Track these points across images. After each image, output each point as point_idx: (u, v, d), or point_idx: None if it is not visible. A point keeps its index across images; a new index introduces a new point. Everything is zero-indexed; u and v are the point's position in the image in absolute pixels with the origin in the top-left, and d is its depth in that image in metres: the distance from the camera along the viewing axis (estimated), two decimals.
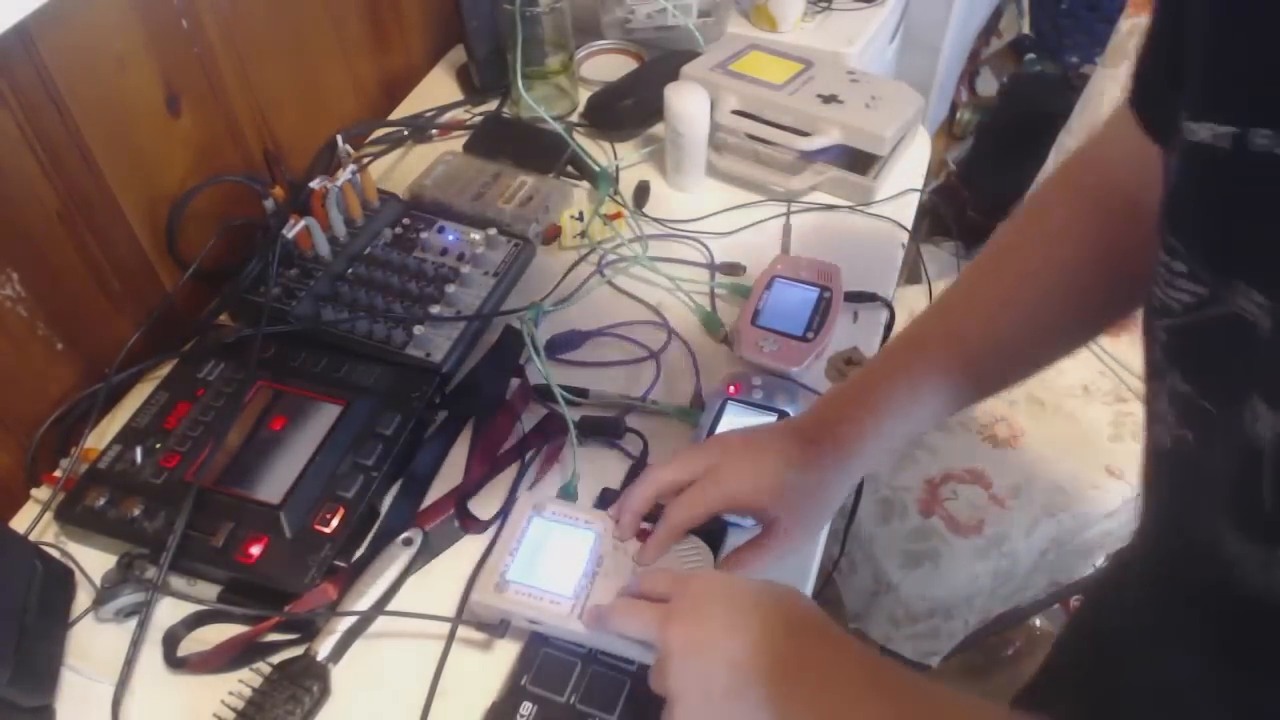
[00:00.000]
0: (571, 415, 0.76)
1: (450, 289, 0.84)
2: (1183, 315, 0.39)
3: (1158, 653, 0.51)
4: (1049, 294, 0.60)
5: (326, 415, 0.74)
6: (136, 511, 0.69)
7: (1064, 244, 0.60)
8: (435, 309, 0.83)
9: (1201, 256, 0.37)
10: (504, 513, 0.72)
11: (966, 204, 2.03)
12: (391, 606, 0.67)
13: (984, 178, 2.06)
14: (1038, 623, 1.46)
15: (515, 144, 1.03)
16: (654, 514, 0.65)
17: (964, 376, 0.62)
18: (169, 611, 0.67)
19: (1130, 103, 0.51)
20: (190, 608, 0.67)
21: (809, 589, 0.69)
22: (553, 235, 0.94)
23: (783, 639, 0.50)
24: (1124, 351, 1.28)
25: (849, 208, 0.97)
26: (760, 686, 0.49)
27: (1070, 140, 1.38)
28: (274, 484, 0.69)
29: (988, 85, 2.25)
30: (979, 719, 0.46)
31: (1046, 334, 0.61)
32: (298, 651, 0.64)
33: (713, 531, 0.68)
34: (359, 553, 0.70)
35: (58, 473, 0.74)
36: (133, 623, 0.66)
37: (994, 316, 0.61)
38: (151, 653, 0.65)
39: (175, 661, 0.64)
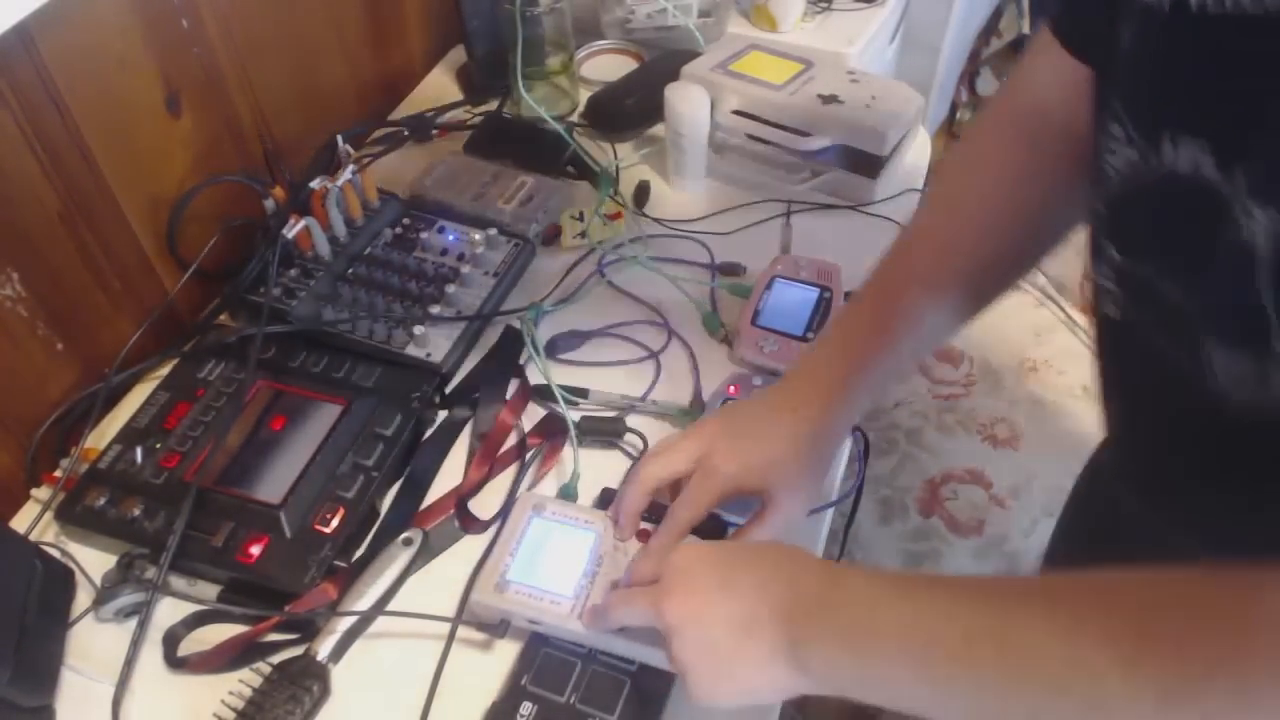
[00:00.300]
0: (571, 415, 0.76)
1: (450, 289, 0.84)
2: (1117, 181, 0.43)
3: (1150, 533, 0.52)
4: (989, 230, 0.62)
5: (327, 415, 0.74)
6: (136, 511, 0.69)
7: (999, 175, 0.62)
8: (435, 309, 0.83)
9: (1137, 113, 0.40)
10: (504, 513, 0.72)
11: None
12: (391, 606, 0.67)
13: None
14: None
15: (515, 144, 1.03)
16: (651, 511, 0.65)
17: (933, 312, 0.63)
18: (169, 611, 0.67)
19: (1054, 27, 0.54)
20: (190, 608, 0.67)
21: None
22: (553, 235, 0.94)
23: (776, 582, 0.50)
24: None
25: (849, 207, 0.97)
26: (765, 632, 0.49)
27: None
28: (274, 484, 0.69)
29: (988, 85, 2.25)
30: (994, 590, 0.46)
31: (994, 261, 0.62)
32: (298, 651, 0.64)
33: (712, 530, 0.68)
34: (359, 553, 0.70)
35: (58, 473, 0.74)
36: (133, 623, 0.66)
37: (943, 253, 0.63)
38: (151, 653, 0.65)
39: (175, 661, 0.64)
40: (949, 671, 0.43)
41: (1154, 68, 0.40)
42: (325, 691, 0.62)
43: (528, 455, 0.76)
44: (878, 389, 0.64)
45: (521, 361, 0.83)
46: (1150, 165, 0.40)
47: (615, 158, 1.03)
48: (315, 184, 0.85)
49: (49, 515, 0.71)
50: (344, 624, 0.65)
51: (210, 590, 0.68)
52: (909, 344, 0.63)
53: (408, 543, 0.69)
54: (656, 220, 0.96)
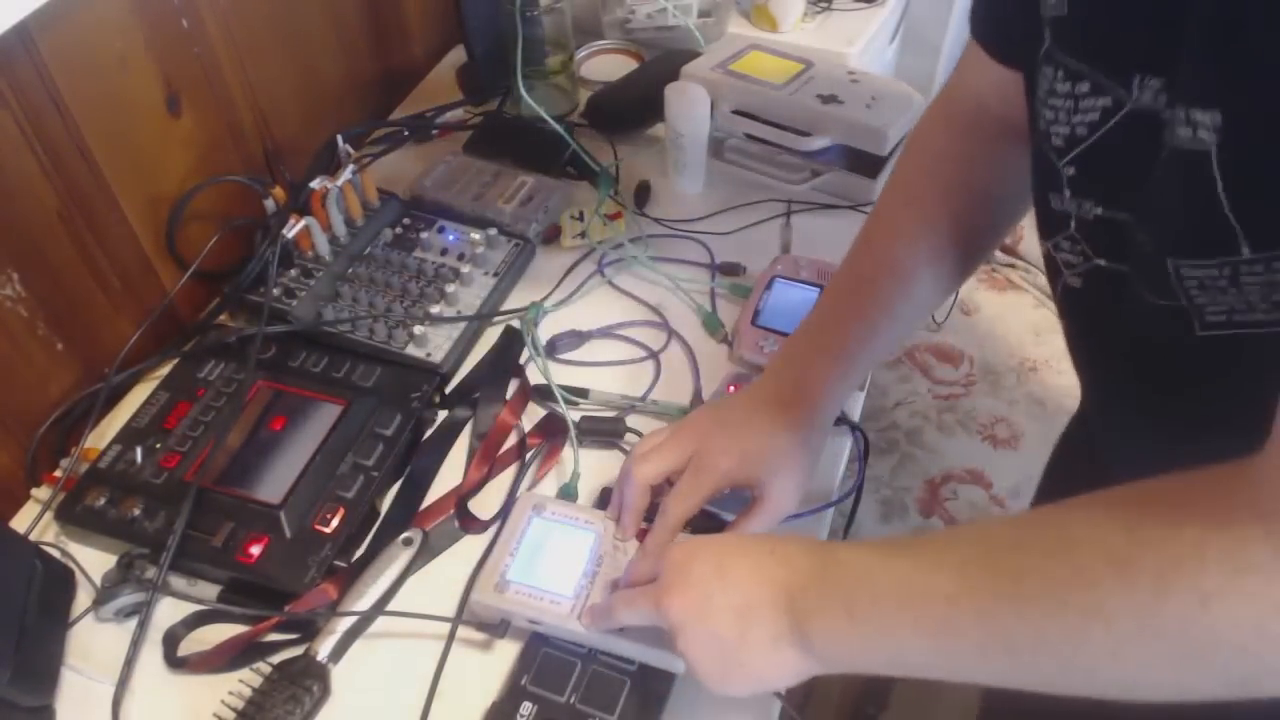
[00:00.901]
0: (571, 415, 0.76)
1: (450, 289, 0.84)
2: (1089, 136, 0.46)
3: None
4: (945, 215, 0.65)
5: (326, 415, 0.74)
6: (136, 511, 0.69)
7: (947, 162, 0.66)
8: (435, 309, 0.83)
9: (1106, 64, 0.44)
10: (504, 513, 0.72)
11: None
12: (391, 606, 0.67)
13: None
14: None
15: (515, 144, 1.03)
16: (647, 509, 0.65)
17: (903, 300, 0.65)
18: (169, 611, 0.67)
19: (974, 35, 0.60)
20: (190, 608, 0.67)
21: None
22: (553, 235, 0.94)
23: (770, 566, 0.51)
24: None
25: (849, 207, 0.97)
26: (766, 616, 0.49)
27: None
28: (274, 484, 0.69)
29: None
30: (979, 529, 0.47)
31: (954, 243, 0.66)
32: (298, 651, 0.64)
33: (707, 526, 0.68)
34: (359, 553, 0.70)
35: (58, 473, 0.74)
36: (133, 623, 0.66)
37: (907, 241, 0.65)
38: (151, 653, 0.65)
39: (175, 661, 0.64)
40: (947, 613, 0.43)
41: (1113, 16, 0.44)
42: (325, 691, 0.62)
43: (528, 455, 0.76)
44: (860, 377, 0.68)
45: (521, 361, 0.83)
46: (1123, 107, 0.44)
47: (615, 158, 1.03)
48: (315, 184, 0.85)
49: (49, 515, 0.71)
50: (344, 624, 0.65)
51: (210, 590, 0.68)
52: (886, 332, 0.66)
53: (408, 543, 0.69)
54: (656, 220, 0.96)
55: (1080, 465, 0.74)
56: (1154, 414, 0.55)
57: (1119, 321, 0.51)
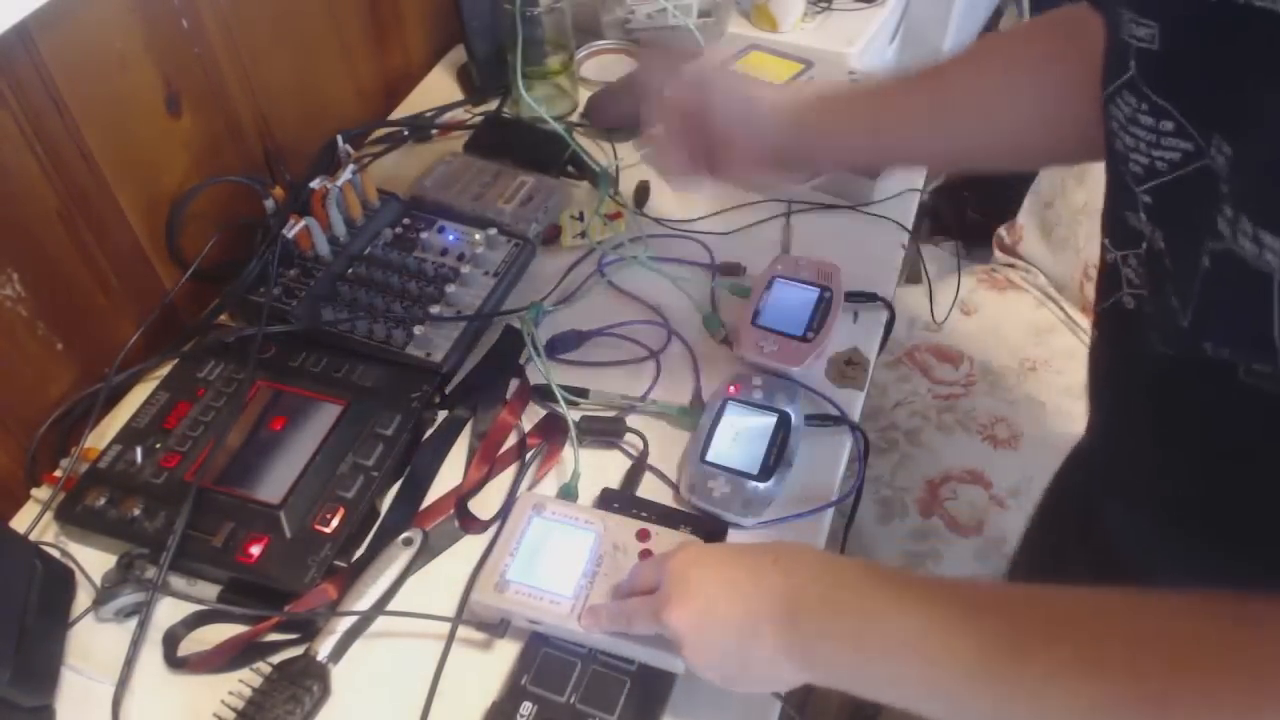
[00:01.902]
0: (571, 415, 0.76)
1: (450, 289, 0.84)
2: (1169, 173, 0.42)
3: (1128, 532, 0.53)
4: (1012, 84, 0.64)
5: (326, 415, 0.74)
6: (136, 511, 0.69)
7: (1029, 44, 0.65)
8: (435, 309, 0.83)
9: (1191, 111, 0.40)
10: (504, 513, 0.72)
11: (966, 204, 2.03)
12: (391, 606, 0.67)
13: (984, 178, 2.05)
14: None
15: (515, 144, 1.03)
16: (650, 510, 0.65)
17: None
18: (169, 611, 0.67)
19: None
20: (190, 608, 0.67)
21: None
22: (553, 235, 0.94)
23: (776, 576, 0.51)
24: None
25: (849, 208, 0.97)
26: (768, 633, 0.49)
27: None
28: (274, 484, 0.69)
29: None
30: (1010, 608, 0.46)
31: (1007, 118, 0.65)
32: (298, 651, 0.64)
33: (712, 531, 0.68)
34: (359, 553, 0.70)
35: (58, 473, 0.74)
36: (133, 623, 0.66)
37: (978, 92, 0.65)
38: (151, 653, 0.65)
39: (175, 661, 0.64)
40: (963, 688, 0.43)
41: (1205, 65, 0.39)
42: (325, 691, 0.62)
43: (528, 455, 0.76)
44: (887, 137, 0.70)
45: (521, 361, 0.83)
46: (1203, 159, 0.40)
47: (615, 158, 1.03)
48: (315, 184, 0.85)
49: (49, 515, 0.71)
50: (344, 624, 0.65)
51: (210, 590, 0.68)
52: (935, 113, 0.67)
53: (408, 543, 0.69)
54: (656, 220, 0.96)
55: (1072, 515, 0.72)
56: (1167, 446, 0.53)
57: (1160, 354, 0.48)
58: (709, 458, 0.72)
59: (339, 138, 0.92)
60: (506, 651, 0.64)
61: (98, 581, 0.67)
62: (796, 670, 0.49)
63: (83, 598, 0.68)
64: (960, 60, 0.68)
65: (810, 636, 0.48)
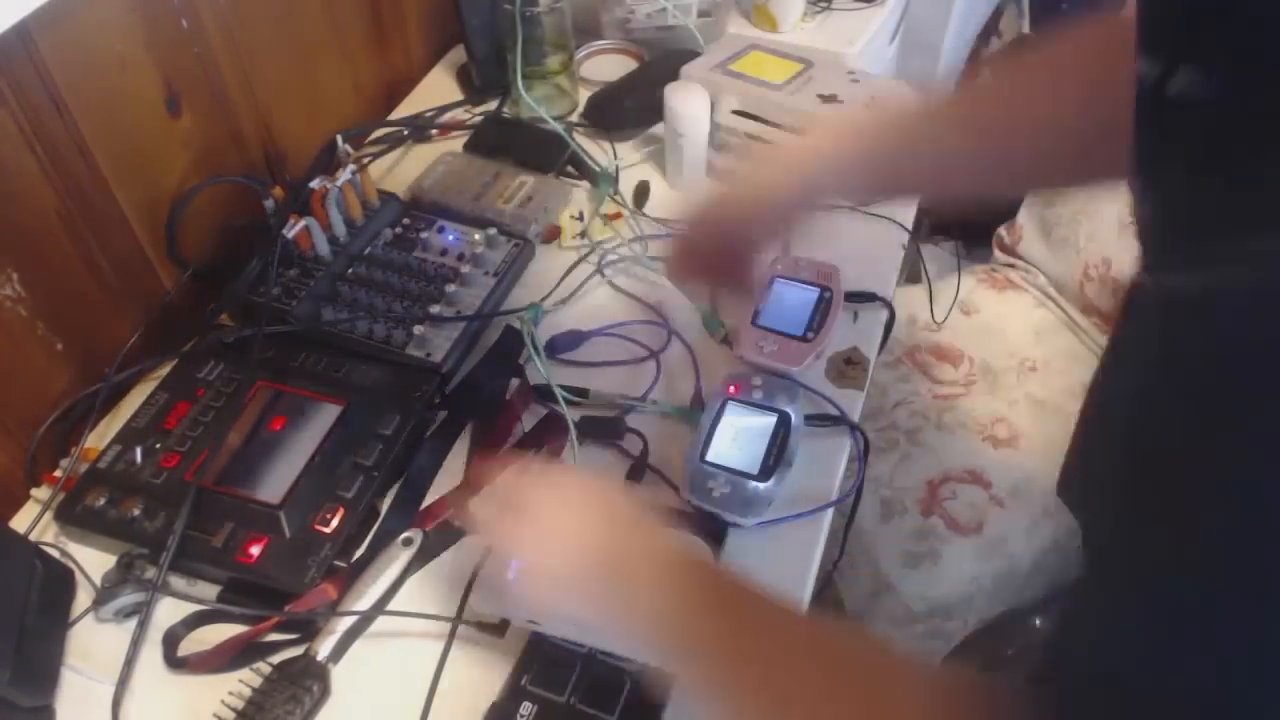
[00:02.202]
0: (571, 415, 0.76)
1: (450, 289, 0.84)
2: None
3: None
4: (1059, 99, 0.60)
5: (326, 415, 0.74)
6: (136, 511, 0.69)
7: (1078, 58, 0.60)
8: (435, 309, 0.83)
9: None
10: None
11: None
12: (391, 606, 0.67)
13: None
14: (1038, 623, 1.46)
15: (515, 144, 1.03)
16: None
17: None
18: (169, 611, 0.67)
19: None
20: (190, 608, 0.67)
21: (808, 589, 0.69)
22: (553, 235, 0.94)
23: (603, 531, 0.55)
24: None
25: (849, 208, 0.97)
26: (595, 574, 0.53)
27: None
28: (274, 484, 0.69)
29: None
30: (774, 614, 0.51)
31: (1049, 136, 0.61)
32: (298, 651, 0.64)
33: (713, 531, 0.68)
34: (359, 553, 0.70)
35: (58, 473, 0.74)
36: (133, 623, 0.66)
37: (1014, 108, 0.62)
38: (151, 653, 0.65)
39: (175, 661, 0.64)
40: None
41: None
42: (325, 691, 0.62)
43: (528, 455, 0.76)
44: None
45: (521, 361, 0.83)
46: None
47: (615, 158, 1.03)
48: (315, 184, 0.85)
49: (49, 515, 0.71)
50: (344, 624, 0.65)
51: (210, 590, 0.68)
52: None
53: (408, 543, 0.69)
54: (656, 220, 0.96)
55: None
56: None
57: None
58: (709, 458, 0.72)
59: (339, 138, 0.92)
60: (506, 651, 0.64)
61: (98, 581, 0.67)
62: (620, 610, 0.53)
63: (83, 598, 0.68)
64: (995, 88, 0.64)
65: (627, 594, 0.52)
